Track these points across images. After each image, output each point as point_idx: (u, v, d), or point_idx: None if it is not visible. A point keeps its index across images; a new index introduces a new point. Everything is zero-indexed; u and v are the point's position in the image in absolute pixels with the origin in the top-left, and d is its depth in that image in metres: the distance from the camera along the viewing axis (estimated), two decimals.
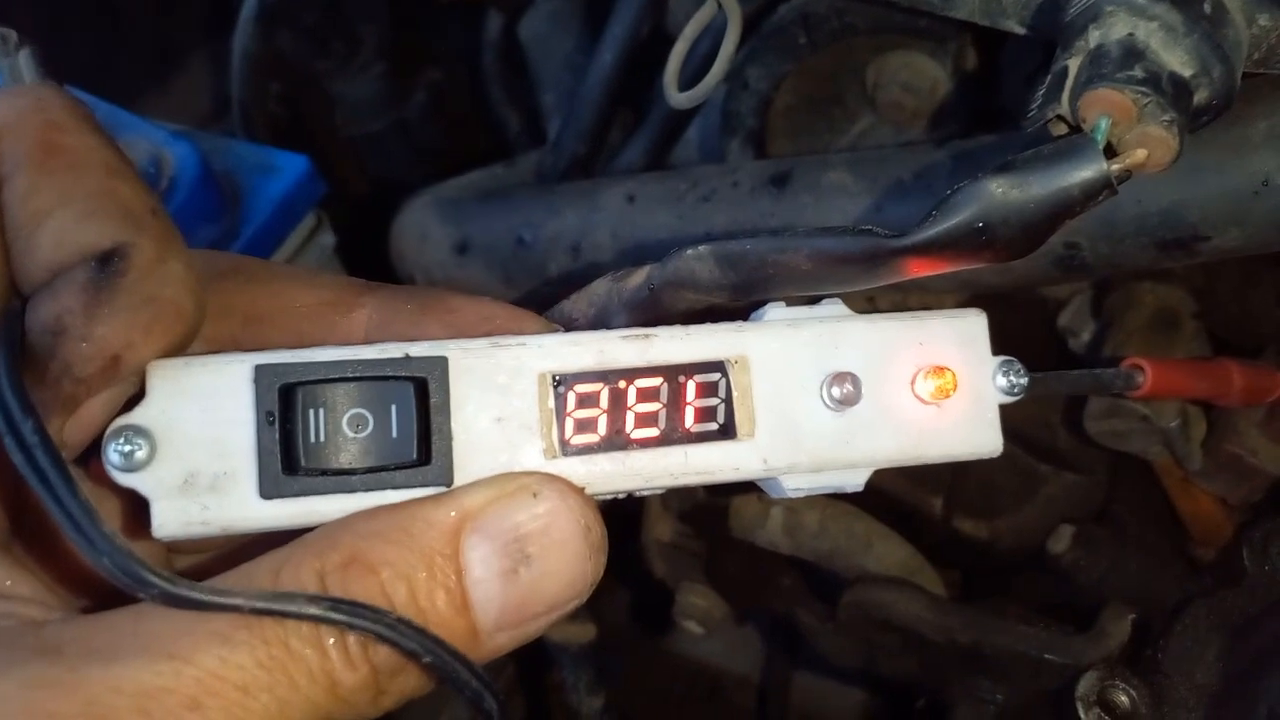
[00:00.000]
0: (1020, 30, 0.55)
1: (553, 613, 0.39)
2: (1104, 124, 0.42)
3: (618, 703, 1.05)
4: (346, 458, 0.39)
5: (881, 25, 0.80)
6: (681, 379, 0.42)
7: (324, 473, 0.39)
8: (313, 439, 0.39)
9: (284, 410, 0.38)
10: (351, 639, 0.35)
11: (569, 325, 0.48)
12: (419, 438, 0.40)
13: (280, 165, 0.98)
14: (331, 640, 0.35)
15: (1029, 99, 0.46)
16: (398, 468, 0.39)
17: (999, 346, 0.46)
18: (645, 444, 0.42)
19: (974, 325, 0.46)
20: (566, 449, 0.41)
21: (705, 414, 0.43)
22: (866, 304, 0.83)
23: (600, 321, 0.47)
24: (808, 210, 0.77)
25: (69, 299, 0.35)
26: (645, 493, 0.43)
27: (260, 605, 0.34)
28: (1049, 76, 0.46)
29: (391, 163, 1.25)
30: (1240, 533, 0.73)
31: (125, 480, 0.37)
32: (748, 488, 0.46)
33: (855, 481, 0.45)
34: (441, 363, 0.40)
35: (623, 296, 0.47)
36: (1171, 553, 0.87)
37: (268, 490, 0.38)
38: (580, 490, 0.40)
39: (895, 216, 0.73)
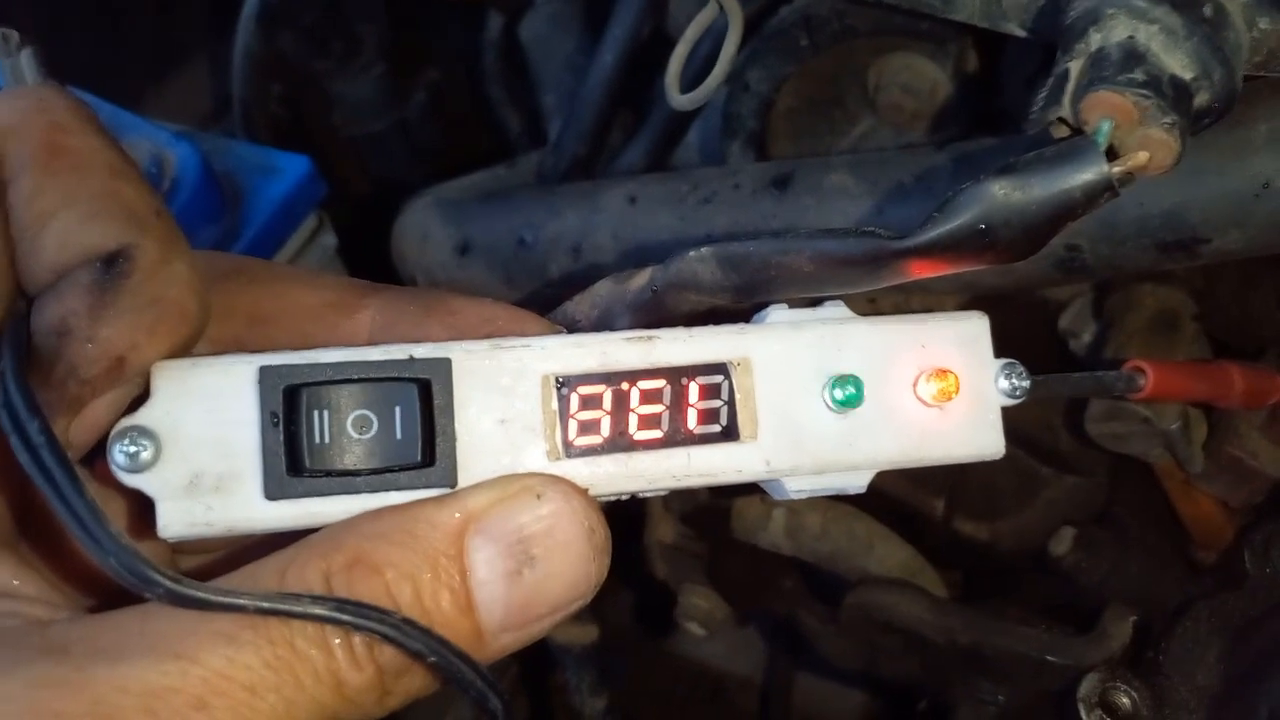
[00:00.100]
0: (1021, 33, 0.55)
1: (557, 614, 0.39)
2: (1106, 126, 0.42)
3: (620, 704, 1.06)
4: (351, 459, 0.39)
5: (882, 27, 0.80)
6: (684, 381, 0.43)
7: (328, 474, 0.39)
8: (317, 440, 0.39)
9: (289, 411, 0.38)
10: (357, 639, 0.35)
11: (571, 327, 0.48)
12: (423, 439, 0.40)
13: (281, 166, 0.98)
14: (337, 640, 0.35)
15: (1030, 101, 0.46)
16: (402, 469, 0.39)
17: (1000, 348, 0.46)
18: (648, 446, 0.42)
19: (976, 327, 0.46)
20: (570, 451, 0.41)
21: (708, 416, 0.43)
22: (869, 306, 0.83)
23: (603, 323, 0.47)
24: (809, 212, 0.77)
25: (74, 300, 0.35)
26: (648, 494, 0.43)
27: (266, 605, 0.34)
28: (1050, 79, 0.46)
29: (392, 163, 1.25)
30: (1241, 535, 0.73)
31: (130, 481, 0.37)
32: (750, 489, 0.46)
33: (857, 483, 0.45)
34: (445, 364, 0.40)
35: (625, 298, 0.47)
36: (1172, 555, 0.87)
37: (272, 491, 0.38)
38: (584, 492, 0.40)
39: (897, 218, 0.73)
